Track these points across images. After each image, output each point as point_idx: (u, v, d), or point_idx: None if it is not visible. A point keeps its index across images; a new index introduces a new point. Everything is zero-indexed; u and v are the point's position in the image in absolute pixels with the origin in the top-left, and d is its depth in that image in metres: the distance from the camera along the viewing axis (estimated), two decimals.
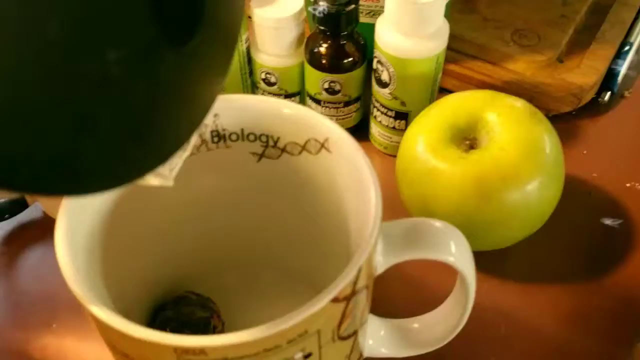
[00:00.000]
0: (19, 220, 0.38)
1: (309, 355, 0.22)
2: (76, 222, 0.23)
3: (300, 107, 0.27)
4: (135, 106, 0.16)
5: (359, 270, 0.21)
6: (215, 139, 0.27)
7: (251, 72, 0.41)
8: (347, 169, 0.25)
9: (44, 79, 0.13)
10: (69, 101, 0.14)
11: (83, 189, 0.16)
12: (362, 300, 0.23)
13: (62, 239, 0.22)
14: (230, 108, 0.26)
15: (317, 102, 0.40)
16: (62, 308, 0.34)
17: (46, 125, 0.14)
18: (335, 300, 0.21)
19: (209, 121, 0.26)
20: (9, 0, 0.12)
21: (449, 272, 0.26)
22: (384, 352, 0.29)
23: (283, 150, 0.27)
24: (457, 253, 0.25)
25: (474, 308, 0.27)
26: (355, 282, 0.21)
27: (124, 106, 0.15)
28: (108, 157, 0.16)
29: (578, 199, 0.39)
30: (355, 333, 0.25)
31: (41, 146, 0.14)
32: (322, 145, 0.26)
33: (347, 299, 0.22)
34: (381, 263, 0.24)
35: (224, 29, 0.20)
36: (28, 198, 0.37)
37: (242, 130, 0.27)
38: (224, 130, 0.27)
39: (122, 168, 0.17)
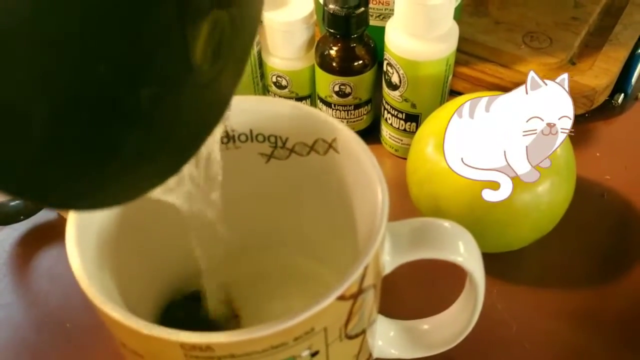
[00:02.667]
0: (34, 222, 0.39)
1: (316, 353, 0.22)
2: (86, 221, 0.23)
3: (308, 107, 0.27)
4: (157, 132, 0.17)
5: (366, 269, 0.21)
6: (225, 140, 0.27)
7: (262, 76, 0.42)
8: (355, 168, 0.25)
9: (84, 110, 0.14)
10: (101, 129, 0.15)
11: (101, 204, 0.17)
12: (370, 299, 0.24)
13: (72, 239, 0.22)
14: (239, 109, 0.26)
15: (328, 105, 0.40)
16: (76, 307, 0.35)
17: (79, 149, 0.15)
18: (341, 298, 0.21)
19: None
20: (69, 43, 0.13)
21: (459, 274, 0.26)
22: (393, 353, 0.29)
23: (291, 150, 0.27)
24: (466, 253, 0.25)
25: (485, 310, 0.27)
26: (361, 281, 0.21)
27: (147, 133, 0.17)
28: (127, 175, 0.17)
29: (591, 202, 0.39)
30: (363, 332, 0.25)
31: (72, 169, 0.15)
32: (330, 146, 0.26)
33: (354, 297, 0.22)
34: (389, 262, 0.24)
35: (240, 53, 0.20)
36: None
37: (251, 130, 0.27)
38: (233, 131, 0.27)
39: (138, 183, 0.18)
